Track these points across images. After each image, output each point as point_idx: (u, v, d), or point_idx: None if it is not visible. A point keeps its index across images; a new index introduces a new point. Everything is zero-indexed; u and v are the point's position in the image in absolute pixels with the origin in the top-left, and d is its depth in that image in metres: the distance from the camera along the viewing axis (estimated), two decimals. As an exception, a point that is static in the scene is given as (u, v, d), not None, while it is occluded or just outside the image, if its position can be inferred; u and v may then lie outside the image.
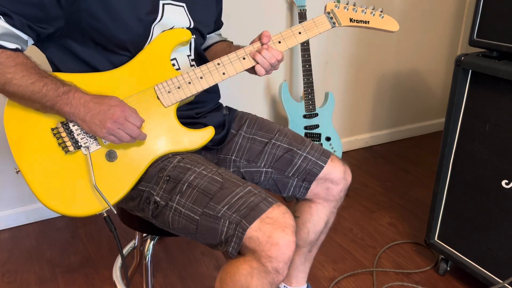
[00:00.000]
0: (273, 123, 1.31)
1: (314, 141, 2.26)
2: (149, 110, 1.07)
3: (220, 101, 1.30)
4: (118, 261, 1.44)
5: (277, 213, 0.97)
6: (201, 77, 1.10)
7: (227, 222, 0.96)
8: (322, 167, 1.23)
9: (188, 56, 1.17)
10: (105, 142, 1.03)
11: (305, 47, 2.12)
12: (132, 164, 1.05)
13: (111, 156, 1.04)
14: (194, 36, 1.16)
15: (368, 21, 1.16)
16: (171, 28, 1.10)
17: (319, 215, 1.31)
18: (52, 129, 1.02)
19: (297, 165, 1.23)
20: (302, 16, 2.12)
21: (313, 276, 1.74)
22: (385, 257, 1.85)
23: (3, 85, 0.96)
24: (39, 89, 0.96)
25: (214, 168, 1.06)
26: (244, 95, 2.37)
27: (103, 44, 1.04)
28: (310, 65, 2.13)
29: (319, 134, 2.27)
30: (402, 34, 2.69)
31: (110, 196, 1.03)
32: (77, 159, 1.02)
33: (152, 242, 1.25)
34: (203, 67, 1.10)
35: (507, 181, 1.42)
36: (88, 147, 1.02)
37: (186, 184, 1.02)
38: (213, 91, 1.24)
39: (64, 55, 1.06)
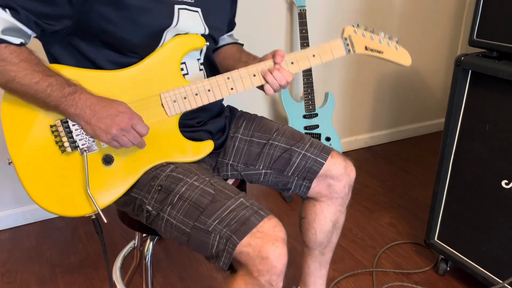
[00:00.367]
0: (272, 122, 1.29)
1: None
2: (151, 117, 1.05)
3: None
4: (118, 262, 1.44)
5: (268, 227, 0.95)
6: (209, 90, 1.08)
7: (218, 237, 0.95)
8: (322, 164, 1.21)
9: (198, 60, 1.15)
10: (103, 145, 1.02)
11: (305, 47, 2.12)
12: (127, 170, 1.05)
13: (107, 160, 1.02)
14: (208, 43, 1.14)
15: (382, 52, 1.15)
16: (186, 33, 1.08)
17: (325, 214, 1.29)
18: (51, 126, 0.99)
19: (296, 163, 1.22)
20: (302, 16, 2.12)
21: (313, 276, 1.74)
22: (385, 257, 1.85)
23: (5, 83, 0.94)
24: (43, 89, 0.93)
25: (207, 178, 1.04)
26: (244, 95, 2.35)
27: (112, 46, 1.02)
28: (310, 65, 2.13)
29: (319, 134, 2.27)
30: (402, 34, 2.69)
31: (102, 200, 1.02)
32: (73, 160, 1.01)
33: (152, 242, 1.25)
34: (212, 79, 1.08)
35: (507, 181, 1.42)
36: (85, 149, 1.00)
37: (177, 196, 1.01)
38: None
39: (67, 51, 1.03)
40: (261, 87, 1.13)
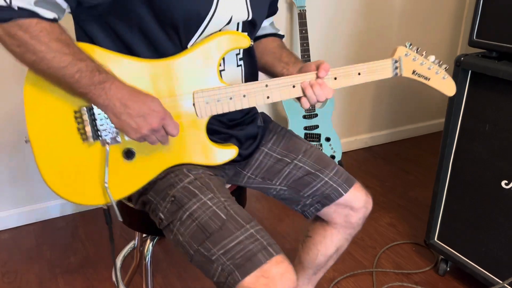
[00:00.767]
0: (301, 141, 1.23)
1: (313, 141, 2.27)
2: (181, 117, 1.00)
3: None
4: (118, 262, 1.44)
5: (275, 272, 0.88)
6: (244, 96, 1.02)
7: (220, 268, 0.90)
8: (341, 195, 1.16)
9: (237, 55, 1.07)
10: (127, 138, 0.98)
11: (304, 47, 2.12)
12: (146, 167, 1.01)
13: (128, 154, 0.99)
14: (252, 43, 1.05)
15: (429, 78, 1.11)
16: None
17: (332, 240, 1.25)
18: (75, 112, 0.94)
19: (316, 187, 1.16)
20: (302, 17, 2.12)
21: (313, 276, 1.74)
22: (385, 258, 1.85)
23: (32, 63, 0.86)
24: (71, 74, 0.86)
25: (222, 198, 0.97)
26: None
27: (150, 30, 0.94)
28: (310, 66, 2.13)
29: (319, 135, 2.27)
30: (402, 34, 2.69)
31: (116, 193, 1.00)
32: (92, 149, 0.97)
33: (152, 243, 1.25)
34: (249, 85, 1.02)
35: (506, 182, 1.42)
36: (108, 141, 0.96)
37: (187, 213, 0.96)
38: None
39: (102, 31, 0.95)
40: (297, 99, 1.08)
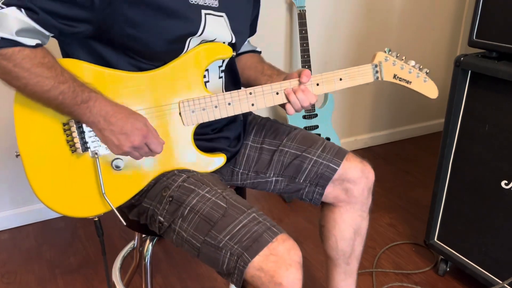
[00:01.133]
0: (283, 126, 1.24)
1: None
2: (167, 125, 1.03)
3: None
4: (118, 262, 1.44)
5: (282, 249, 0.90)
6: (229, 104, 1.05)
7: (229, 254, 0.91)
8: (335, 170, 1.15)
9: (219, 67, 1.11)
10: None
11: (304, 47, 2.12)
12: (137, 176, 1.03)
13: (117, 164, 1.00)
14: (235, 53, 1.09)
15: (411, 82, 1.14)
16: (213, 41, 1.04)
17: (344, 220, 1.23)
18: (64, 124, 0.96)
19: (307, 170, 1.17)
20: (302, 17, 2.12)
21: (312, 277, 1.74)
22: (385, 258, 1.85)
23: (18, 88, 0.90)
24: (55, 96, 0.89)
25: (219, 190, 1.00)
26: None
27: (134, 52, 0.98)
28: (309, 66, 2.13)
29: (319, 135, 2.27)
30: (401, 35, 2.69)
31: (111, 202, 1.01)
32: (82, 160, 0.99)
33: (151, 243, 1.25)
34: (234, 93, 1.05)
35: (506, 182, 1.42)
36: (97, 152, 0.98)
37: (188, 208, 0.97)
38: None
39: (86, 53, 0.98)
40: (282, 106, 1.10)
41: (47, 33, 0.91)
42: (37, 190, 0.97)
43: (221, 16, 1.05)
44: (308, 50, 2.12)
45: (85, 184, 1.00)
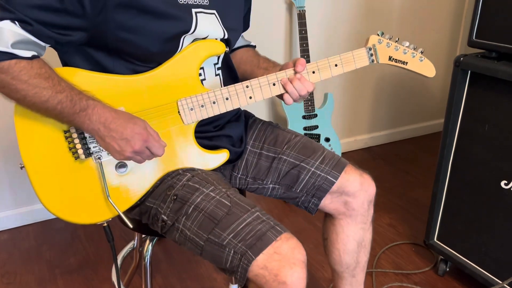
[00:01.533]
0: (284, 132, 1.23)
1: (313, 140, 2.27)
2: (167, 125, 1.03)
3: None
4: (117, 262, 1.44)
5: (286, 248, 0.90)
6: (227, 98, 1.05)
7: (232, 252, 0.91)
8: (332, 183, 1.15)
9: (215, 65, 1.11)
10: None
11: (304, 48, 2.12)
12: (142, 178, 1.03)
13: (121, 167, 1.01)
14: (228, 49, 1.10)
15: (407, 62, 1.13)
16: (205, 38, 1.05)
17: (346, 233, 1.22)
18: (65, 132, 0.97)
19: (305, 181, 1.16)
20: (301, 17, 2.12)
21: (312, 277, 1.74)
22: (385, 258, 1.85)
23: (18, 101, 0.91)
24: (53, 107, 0.90)
25: (223, 189, 1.00)
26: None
27: (129, 55, 0.98)
28: (309, 66, 2.13)
29: (318, 135, 2.27)
30: (401, 35, 2.69)
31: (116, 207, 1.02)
32: (86, 166, 0.99)
33: (151, 243, 1.25)
34: (231, 87, 1.05)
35: (506, 182, 1.42)
36: (100, 157, 0.99)
37: (192, 206, 0.97)
38: None
39: (83, 60, 0.99)
40: (280, 96, 1.10)
41: (42, 43, 0.92)
42: (44, 200, 0.98)
43: (212, 13, 1.05)
44: (308, 50, 2.12)
45: (90, 190, 1.00)
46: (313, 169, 1.16)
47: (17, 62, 0.87)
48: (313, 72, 1.09)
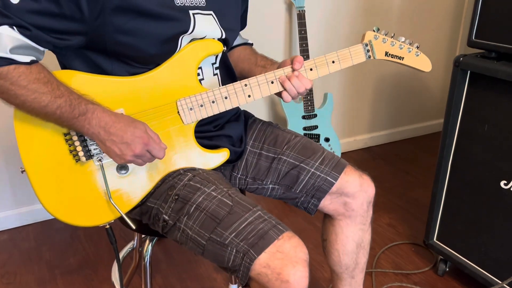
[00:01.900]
0: (284, 133, 1.23)
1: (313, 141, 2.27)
2: (167, 126, 1.03)
3: None
4: (120, 264, 1.44)
5: (288, 247, 0.90)
6: (226, 97, 1.06)
7: (234, 251, 0.91)
8: (332, 184, 1.15)
9: (213, 64, 1.11)
10: None
11: (304, 48, 2.12)
12: (143, 179, 1.03)
13: (122, 169, 1.01)
14: (225, 48, 1.10)
15: (403, 58, 1.14)
16: (202, 38, 1.05)
17: (345, 234, 1.22)
18: (65, 135, 0.97)
19: (304, 181, 1.16)
20: (301, 17, 2.12)
21: (311, 277, 1.73)
22: (384, 258, 1.85)
23: (17, 106, 0.91)
24: (53, 111, 0.90)
25: (225, 188, 1.00)
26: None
27: (128, 58, 0.99)
28: (309, 66, 2.13)
29: (318, 135, 2.27)
30: (400, 35, 2.69)
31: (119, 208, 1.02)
32: (87, 169, 0.99)
33: (151, 243, 1.25)
34: (229, 86, 1.06)
35: (505, 182, 1.42)
36: (101, 159, 0.99)
37: (194, 206, 0.97)
38: None
39: (82, 63, 0.99)
40: (278, 94, 1.10)
41: (41, 48, 0.92)
42: (46, 204, 0.98)
43: (209, 14, 1.06)
44: (307, 51, 2.12)
45: (92, 192, 1.00)
46: (312, 170, 1.16)
47: (16, 68, 0.87)
48: (311, 69, 1.10)
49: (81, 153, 0.98)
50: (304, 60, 1.09)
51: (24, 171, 0.97)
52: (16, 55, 0.87)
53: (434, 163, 1.63)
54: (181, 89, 1.03)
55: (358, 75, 2.65)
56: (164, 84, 1.02)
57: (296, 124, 2.23)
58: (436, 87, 2.98)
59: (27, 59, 0.89)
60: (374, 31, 1.12)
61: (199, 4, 1.04)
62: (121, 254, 1.48)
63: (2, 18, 0.85)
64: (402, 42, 1.13)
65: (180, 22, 0.99)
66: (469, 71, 1.46)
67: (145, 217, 1.08)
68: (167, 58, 1.01)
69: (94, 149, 0.98)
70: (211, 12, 1.06)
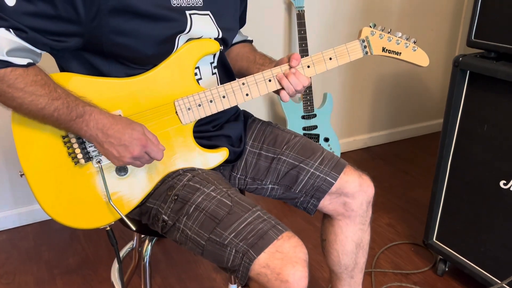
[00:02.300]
0: (283, 133, 1.22)
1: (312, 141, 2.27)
2: (165, 126, 1.03)
3: None
4: (116, 263, 1.44)
5: (288, 247, 0.90)
6: (224, 96, 1.05)
7: (234, 251, 0.91)
8: (331, 184, 1.15)
9: (211, 63, 1.11)
10: None
11: (303, 48, 2.12)
12: (143, 180, 1.03)
13: (121, 170, 1.00)
14: (222, 47, 1.09)
15: (400, 53, 1.13)
16: (199, 38, 1.05)
17: (345, 234, 1.22)
18: (63, 137, 0.96)
19: (304, 181, 1.16)
20: (301, 17, 2.12)
21: (311, 277, 1.73)
22: (384, 258, 1.85)
23: (14, 108, 0.91)
24: (50, 114, 0.90)
25: (224, 188, 1.00)
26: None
27: (126, 59, 0.98)
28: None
29: (318, 135, 2.27)
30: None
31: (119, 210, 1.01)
32: (86, 171, 0.99)
33: (150, 243, 1.25)
34: (227, 85, 1.05)
35: (505, 182, 1.42)
36: (100, 161, 0.98)
37: (193, 206, 0.97)
38: None
39: (79, 65, 0.99)
40: (277, 92, 1.10)
41: (38, 50, 0.91)
42: (46, 207, 0.98)
43: (206, 14, 1.05)
44: (307, 50, 2.12)
45: (92, 194, 1.00)
46: (312, 170, 1.16)
47: (13, 70, 0.87)
48: (308, 67, 1.10)
49: (79, 156, 0.97)
50: (303, 59, 1.09)
51: (23, 174, 0.96)
52: (12, 58, 0.87)
53: (434, 163, 1.63)
54: (178, 89, 1.03)
55: (357, 75, 2.65)
56: (162, 85, 1.02)
57: (295, 124, 2.23)
58: (436, 87, 2.98)
59: (24, 61, 0.88)
60: (370, 27, 1.12)
61: (196, 4, 1.03)
62: (121, 254, 1.48)
63: None
64: (399, 37, 1.13)
65: (176, 22, 0.99)
66: (468, 71, 1.46)
67: (145, 217, 1.08)
68: (164, 59, 1.01)
69: (92, 151, 0.98)
70: (208, 12, 1.06)
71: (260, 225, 0.92)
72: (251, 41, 1.32)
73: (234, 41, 1.27)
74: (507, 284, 1.47)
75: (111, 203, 0.99)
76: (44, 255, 1.89)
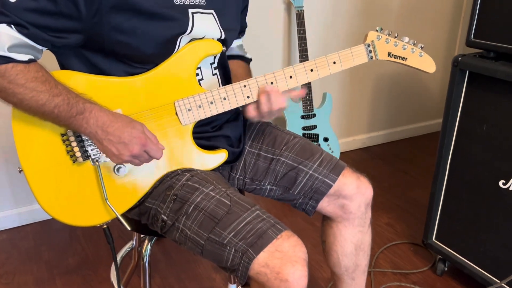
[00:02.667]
0: (283, 134, 1.22)
1: (311, 142, 2.27)
2: (165, 127, 1.03)
3: None
4: (117, 264, 1.44)
5: (287, 246, 0.90)
6: (225, 98, 1.05)
7: (233, 250, 0.91)
8: (330, 186, 1.15)
9: (211, 64, 1.10)
10: None
11: (302, 48, 2.12)
12: (141, 179, 1.03)
13: (120, 169, 1.00)
14: (225, 48, 1.09)
15: (406, 58, 1.12)
16: (202, 38, 1.04)
17: (344, 236, 1.22)
18: (62, 135, 0.97)
19: (302, 183, 1.16)
20: (300, 17, 2.12)
21: (310, 276, 1.73)
22: (383, 258, 1.85)
23: (15, 104, 0.91)
24: (50, 110, 0.90)
25: (223, 188, 1.00)
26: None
27: (126, 57, 0.98)
28: (308, 66, 2.13)
29: (317, 135, 2.27)
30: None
31: (116, 209, 1.01)
32: (84, 169, 0.99)
33: (150, 243, 1.25)
34: (228, 87, 1.05)
35: (504, 181, 1.42)
36: (98, 159, 0.98)
37: (192, 206, 0.97)
38: None
39: (79, 62, 0.99)
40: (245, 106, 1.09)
41: (39, 47, 0.92)
42: (43, 203, 0.98)
43: (210, 13, 1.05)
44: (306, 50, 2.13)
45: (89, 192, 1.00)
46: (311, 172, 1.16)
47: (14, 66, 0.87)
48: (311, 70, 1.09)
49: (78, 154, 0.98)
50: (304, 61, 1.08)
51: (21, 170, 0.97)
52: (14, 54, 0.87)
53: (433, 163, 1.64)
54: (179, 89, 1.03)
55: (357, 75, 2.66)
56: (162, 85, 1.02)
57: (295, 123, 2.23)
58: (435, 87, 2.98)
59: (25, 57, 0.89)
60: (377, 31, 1.11)
61: (199, 2, 1.03)
62: (120, 254, 1.48)
63: (0, 16, 0.85)
64: (406, 42, 1.12)
65: (178, 22, 0.98)
66: (467, 71, 1.46)
67: (144, 217, 1.08)
68: (165, 58, 1.01)
69: (91, 150, 0.98)
70: (212, 11, 1.05)
71: (259, 224, 0.92)
72: (249, 60, 1.31)
73: (234, 53, 1.27)
74: (507, 284, 1.48)
75: (107, 202, 0.99)
76: (44, 255, 1.89)
